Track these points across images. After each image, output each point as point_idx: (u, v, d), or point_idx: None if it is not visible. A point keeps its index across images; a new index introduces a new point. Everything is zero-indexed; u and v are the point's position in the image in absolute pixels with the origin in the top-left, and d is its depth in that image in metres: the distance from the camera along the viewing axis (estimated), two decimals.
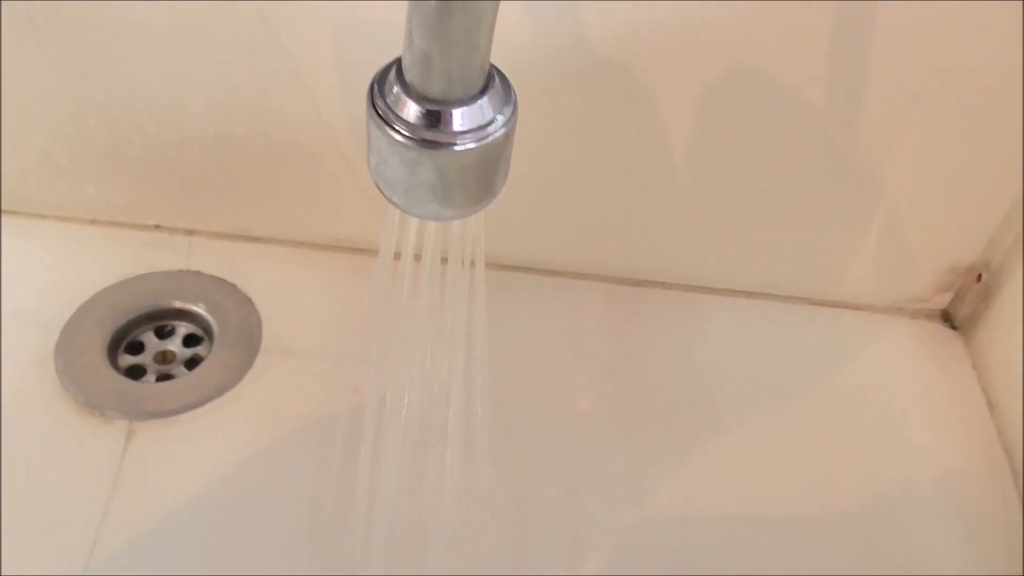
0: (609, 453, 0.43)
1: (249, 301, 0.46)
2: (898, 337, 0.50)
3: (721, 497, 0.42)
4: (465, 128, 0.20)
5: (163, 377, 0.43)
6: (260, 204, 0.49)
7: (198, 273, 0.47)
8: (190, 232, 0.49)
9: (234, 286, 0.47)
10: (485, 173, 0.21)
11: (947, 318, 0.50)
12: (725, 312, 0.50)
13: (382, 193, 0.22)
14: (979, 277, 0.48)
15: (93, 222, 0.49)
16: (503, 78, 0.21)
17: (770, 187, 0.46)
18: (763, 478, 0.43)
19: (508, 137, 0.21)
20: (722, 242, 0.49)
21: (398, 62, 0.20)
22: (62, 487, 0.39)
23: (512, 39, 0.40)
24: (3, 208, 0.48)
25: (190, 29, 0.41)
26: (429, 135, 0.20)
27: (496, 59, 0.42)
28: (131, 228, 0.49)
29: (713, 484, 0.43)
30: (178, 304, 0.46)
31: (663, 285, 0.50)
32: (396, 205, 0.21)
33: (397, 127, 0.20)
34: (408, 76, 0.20)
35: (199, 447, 0.41)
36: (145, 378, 0.43)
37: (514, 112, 0.21)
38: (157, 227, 0.49)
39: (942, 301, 0.50)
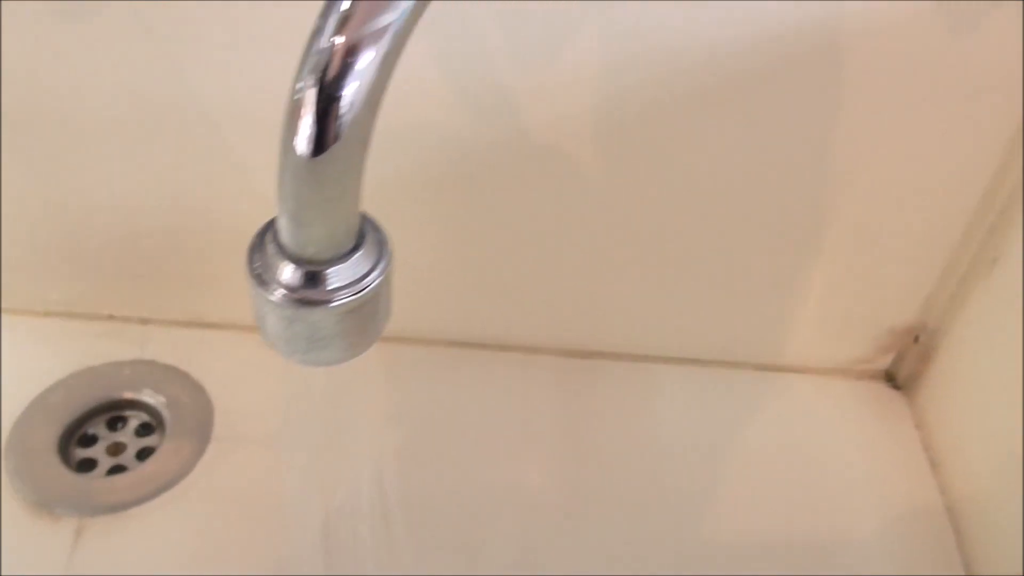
0: (561, 531, 0.44)
1: (202, 389, 0.47)
2: (843, 398, 0.51)
3: (674, 569, 0.43)
4: (340, 285, 0.21)
5: (115, 469, 0.44)
6: (213, 291, 0.50)
7: (152, 362, 0.48)
8: (144, 321, 0.50)
9: (187, 374, 0.48)
10: (363, 323, 0.22)
11: (890, 378, 0.51)
12: (675, 381, 0.51)
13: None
14: (916, 338, 0.49)
15: (46, 314, 0.50)
16: (375, 227, 0.22)
17: (713, 256, 0.47)
18: (715, 547, 0.44)
19: (384, 284, 0.22)
20: (669, 311, 0.50)
21: (273, 222, 0.21)
22: None
23: (453, 127, 0.42)
24: None
25: (141, 129, 0.42)
26: (303, 295, 0.21)
27: (438, 146, 0.43)
28: (85, 319, 0.50)
29: (666, 556, 0.43)
30: (130, 395, 0.47)
31: (613, 356, 0.51)
32: (278, 352, 0.22)
33: (272, 288, 0.21)
34: (281, 237, 0.21)
35: (149, 542, 0.42)
36: (96, 472, 0.44)
37: (388, 261, 0.22)
38: (111, 317, 0.50)
39: (884, 362, 0.51)
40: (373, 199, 0.44)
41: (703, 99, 0.41)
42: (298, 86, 0.19)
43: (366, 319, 0.22)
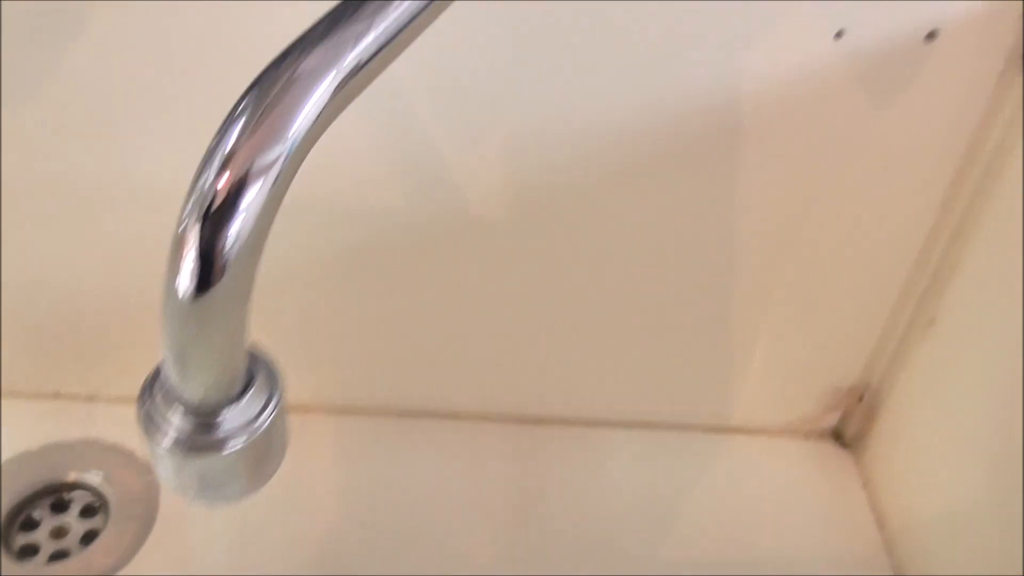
0: None
1: (147, 468, 0.47)
2: (792, 458, 0.51)
3: None
4: (231, 429, 0.21)
5: (57, 555, 0.44)
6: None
7: (97, 441, 0.48)
8: (90, 398, 0.50)
9: (132, 453, 0.48)
10: (257, 462, 0.22)
11: (838, 437, 0.51)
12: (625, 445, 0.51)
13: None
14: (861, 397, 0.49)
15: None
16: (265, 362, 0.22)
17: (657, 321, 0.47)
18: None
19: (277, 421, 0.22)
20: (616, 376, 0.50)
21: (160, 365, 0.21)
22: None
23: (391, 201, 0.42)
24: None
25: (82, 206, 0.42)
26: (193, 442, 0.21)
27: (380, 220, 0.43)
28: (30, 398, 0.50)
29: None
30: (75, 475, 0.47)
31: (562, 422, 0.51)
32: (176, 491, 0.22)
33: (161, 433, 0.21)
34: (169, 381, 0.21)
35: None
36: (37, 558, 0.44)
37: (280, 398, 0.22)
38: (56, 395, 0.50)
39: (831, 421, 0.51)
40: (318, 272, 0.45)
41: (641, 170, 0.41)
42: (182, 223, 0.19)
43: (260, 458, 0.22)
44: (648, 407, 0.51)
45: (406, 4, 0.20)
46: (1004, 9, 0.37)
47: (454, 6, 0.22)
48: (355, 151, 0.40)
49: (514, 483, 0.49)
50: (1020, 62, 0.38)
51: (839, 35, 0.37)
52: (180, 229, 0.20)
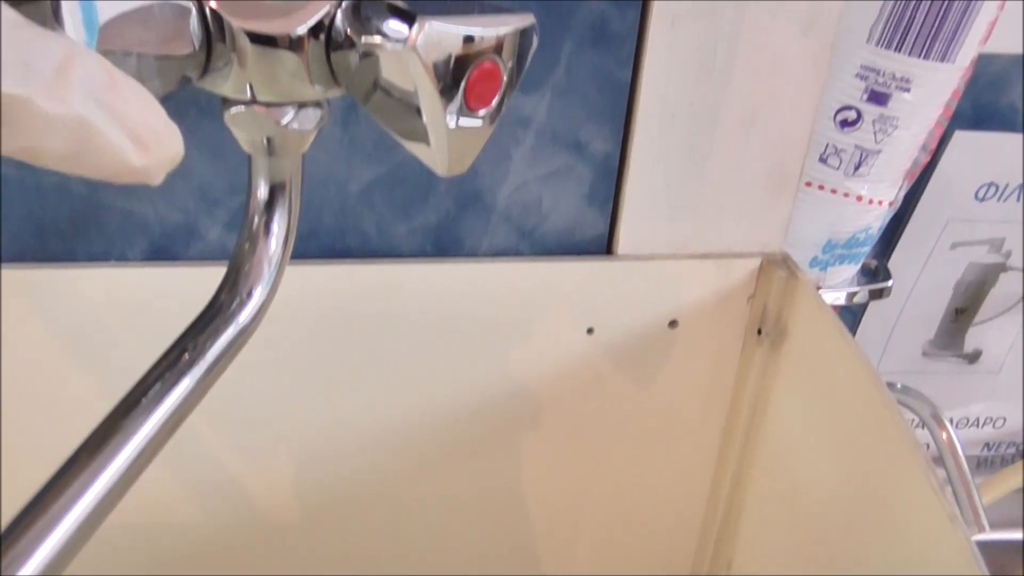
0: None
1: None
2: None
3: None
4: None
5: None
6: None
7: None
8: None
9: None
10: None
11: None
12: None
13: None
14: None
15: None
16: None
17: None
18: None
19: None
20: None
21: None
22: None
23: (184, 519, 0.42)
24: None
25: None
26: None
27: (174, 538, 0.44)
28: None
29: None
30: None
31: None
32: None
33: None
34: None
35: None
36: None
37: None
38: None
39: None
40: None
41: (426, 461, 0.43)
42: None
43: None
44: None
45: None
46: (733, 295, 0.41)
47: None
48: (146, 476, 0.40)
49: None
50: (755, 335, 0.42)
51: (590, 331, 0.41)
52: None
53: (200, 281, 0.36)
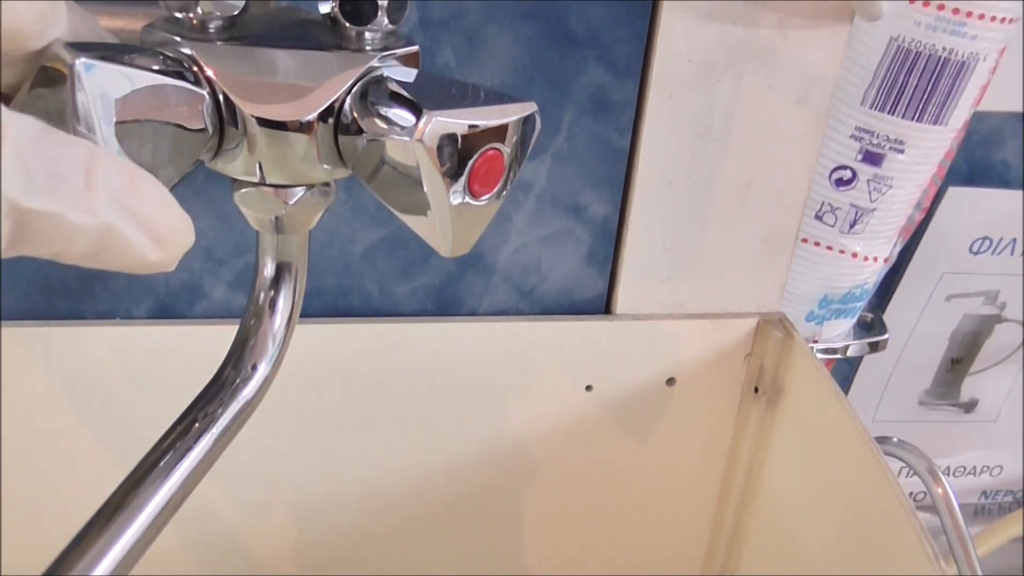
0: None
1: None
2: None
3: None
4: None
5: None
6: None
7: None
8: None
9: None
10: None
11: None
12: None
13: None
14: None
15: None
16: None
17: None
18: None
19: None
20: None
21: None
22: None
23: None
24: None
25: None
26: None
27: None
28: None
29: None
30: None
31: None
32: None
33: None
34: None
35: None
36: None
37: None
38: None
39: None
40: None
41: (430, 518, 0.43)
42: None
43: None
44: None
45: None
46: (730, 354, 0.41)
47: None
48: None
49: None
50: (752, 393, 0.43)
51: (589, 388, 0.41)
52: None
53: (205, 339, 0.37)
